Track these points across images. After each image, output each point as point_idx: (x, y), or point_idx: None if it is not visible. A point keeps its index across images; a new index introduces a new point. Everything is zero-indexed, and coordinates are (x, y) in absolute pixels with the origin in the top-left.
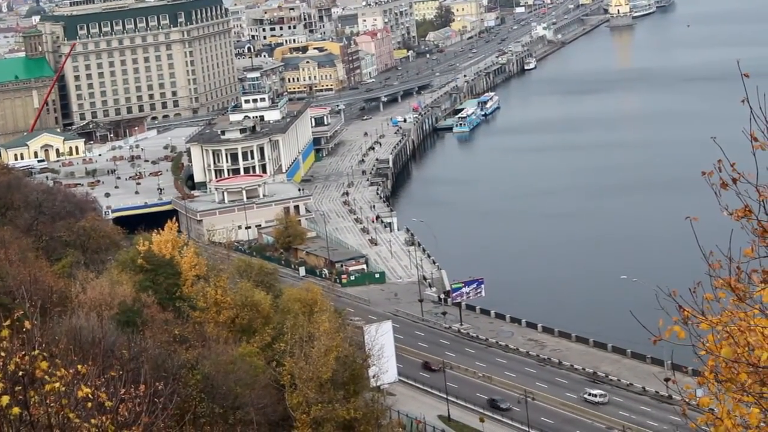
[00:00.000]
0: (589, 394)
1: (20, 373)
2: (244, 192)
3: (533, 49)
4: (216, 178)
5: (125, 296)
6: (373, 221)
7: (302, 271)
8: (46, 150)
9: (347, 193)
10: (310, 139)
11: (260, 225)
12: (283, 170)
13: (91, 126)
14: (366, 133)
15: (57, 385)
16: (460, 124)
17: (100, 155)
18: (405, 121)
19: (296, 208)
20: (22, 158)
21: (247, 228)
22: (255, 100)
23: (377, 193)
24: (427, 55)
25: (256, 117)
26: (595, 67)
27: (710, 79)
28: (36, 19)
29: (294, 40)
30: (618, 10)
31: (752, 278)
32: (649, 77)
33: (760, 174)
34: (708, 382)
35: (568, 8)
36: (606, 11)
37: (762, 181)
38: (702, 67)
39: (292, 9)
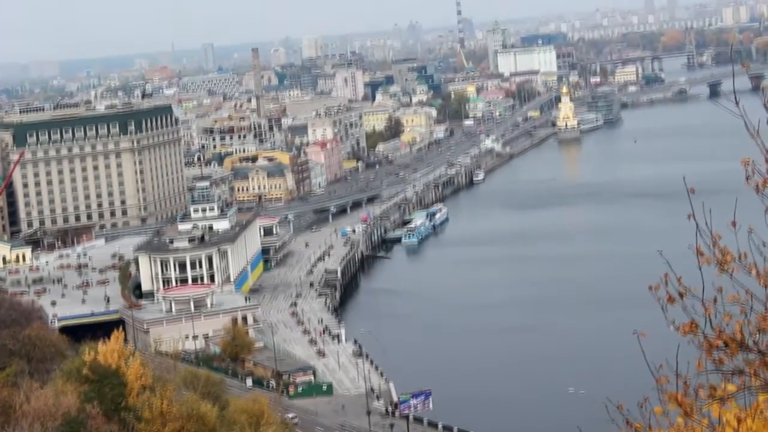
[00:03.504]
0: None
1: None
2: (191, 302)
3: (482, 162)
4: (164, 287)
5: (70, 407)
6: (321, 333)
7: (249, 382)
8: None
9: (295, 304)
10: (259, 249)
11: (208, 335)
12: (232, 280)
13: (38, 234)
14: (307, 244)
15: None
16: (409, 235)
17: (47, 263)
18: (354, 231)
19: (244, 318)
20: None
21: (195, 338)
22: (204, 210)
23: (325, 304)
24: (377, 166)
25: (205, 226)
26: (543, 180)
27: (657, 195)
28: None
29: (244, 150)
30: (566, 124)
31: (699, 393)
32: (597, 191)
33: (706, 289)
34: None
35: (516, 121)
36: (554, 124)
37: (708, 296)
38: (649, 181)
39: (243, 119)
